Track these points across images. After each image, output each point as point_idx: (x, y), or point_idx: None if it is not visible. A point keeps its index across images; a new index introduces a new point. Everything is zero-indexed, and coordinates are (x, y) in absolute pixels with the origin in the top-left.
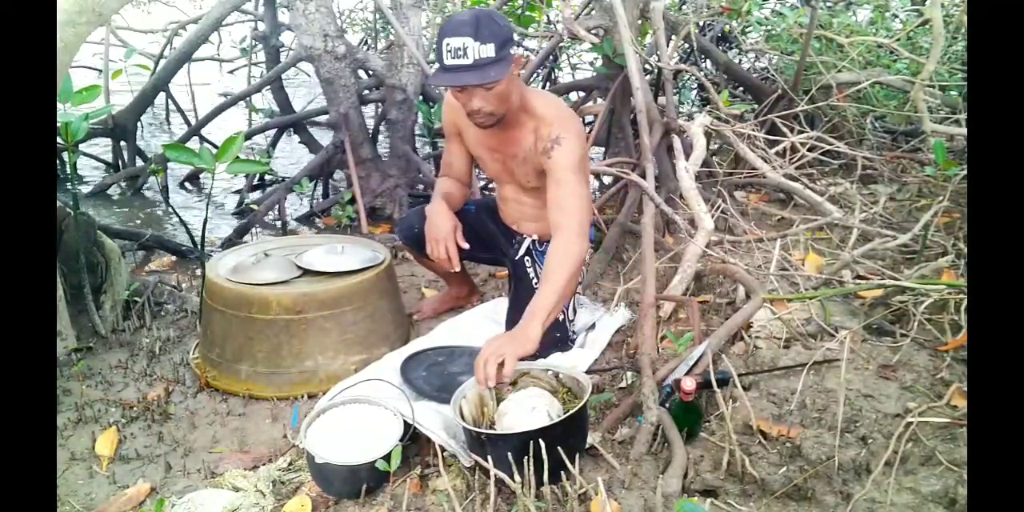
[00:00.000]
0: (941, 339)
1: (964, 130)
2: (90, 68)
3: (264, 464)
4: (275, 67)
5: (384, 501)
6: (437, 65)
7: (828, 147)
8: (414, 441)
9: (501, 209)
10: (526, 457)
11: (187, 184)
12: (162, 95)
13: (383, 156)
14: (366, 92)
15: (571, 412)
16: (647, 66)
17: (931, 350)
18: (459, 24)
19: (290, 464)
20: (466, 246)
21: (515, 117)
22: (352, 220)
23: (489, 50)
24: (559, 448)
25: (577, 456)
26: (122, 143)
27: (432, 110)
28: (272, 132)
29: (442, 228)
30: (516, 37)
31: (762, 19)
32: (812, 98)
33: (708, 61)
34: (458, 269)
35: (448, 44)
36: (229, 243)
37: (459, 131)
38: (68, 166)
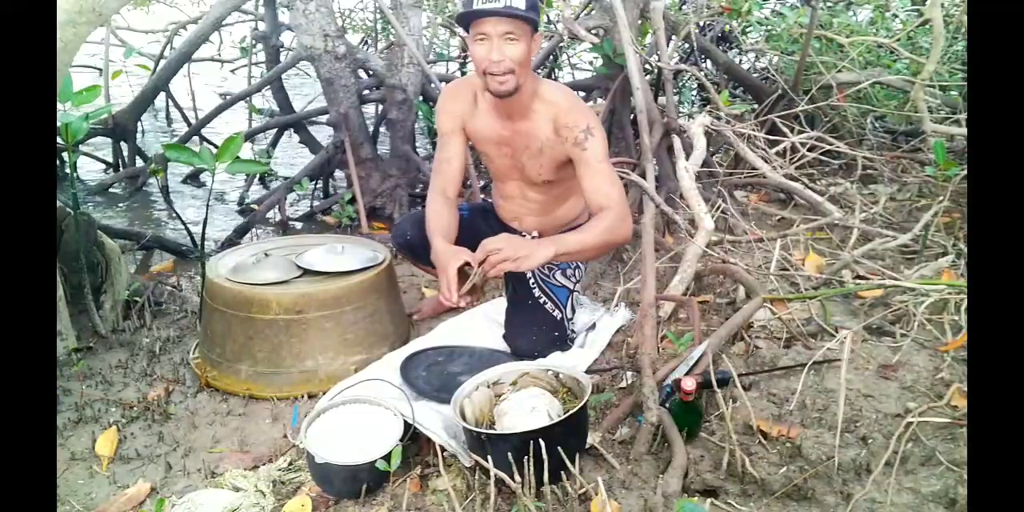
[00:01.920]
0: (941, 339)
1: (964, 130)
2: (90, 67)
3: (264, 464)
4: (275, 67)
5: (384, 501)
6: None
7: (828, 147)
8: (414, 441)
9: (501, 206)
10: (526, 457)
11: (188, 181)
12: (162, 95)
13: (383, 156)
14: (366, 92)
15: (571, 412)
16: (647, 66)
17: (931, 350)
18: None
19: (290, 464)
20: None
21: (527, 105)
22: (352, 220)
23: (520, 2)
24: (559, 448)
25: (577, 456)
26: (122, 143)
27: (432, 110)
28: (272, 132)
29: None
30: None
31: (762, 19)
32: (812, 98)
33: (708, 61)
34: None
35: None
36: (229, 243)
37: (463, 125)
38: (68, 166)
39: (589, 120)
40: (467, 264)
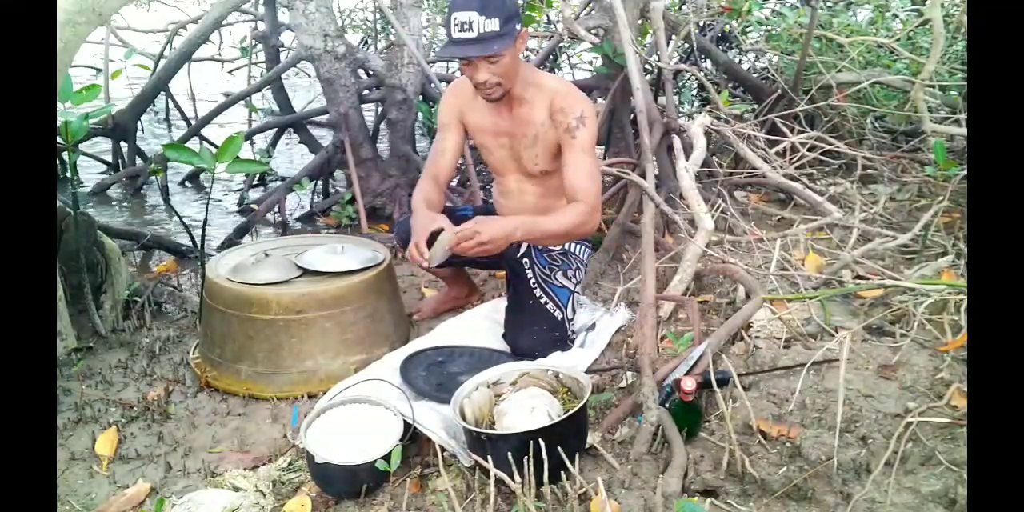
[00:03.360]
0: (941, 339)
1: (964, 130)
2: (90, 67)
3: (264, 464)
4: (275, 67)
5: (384, 501)
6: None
7: (828, 147)
8: (414, 441)
9: (501, 205)
10: (526, 457)
11: (187, 183)
12: (162, 95)
13: (383, 156)
14: (366, 92)
15: (571, 412)
16: (647, 66)
17: (931, 350)
18: None
19: (290, 464)
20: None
21: (523, 94)
22: (352, 220)
23: (493, 24)
24: (559, 448)
25: (577, 456)
26: (122, 143)
27: (432, 110)
28: (272, 132)
29: (415, 233)
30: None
31: (762, 19)
32: (812, 98)
33: (708, 61)
34: (430, 266)
35: (455, 18)
36: (229, 243)
37: (462, 118)
38: (68, 166)
39: (584, 108)
40: (442, 230)
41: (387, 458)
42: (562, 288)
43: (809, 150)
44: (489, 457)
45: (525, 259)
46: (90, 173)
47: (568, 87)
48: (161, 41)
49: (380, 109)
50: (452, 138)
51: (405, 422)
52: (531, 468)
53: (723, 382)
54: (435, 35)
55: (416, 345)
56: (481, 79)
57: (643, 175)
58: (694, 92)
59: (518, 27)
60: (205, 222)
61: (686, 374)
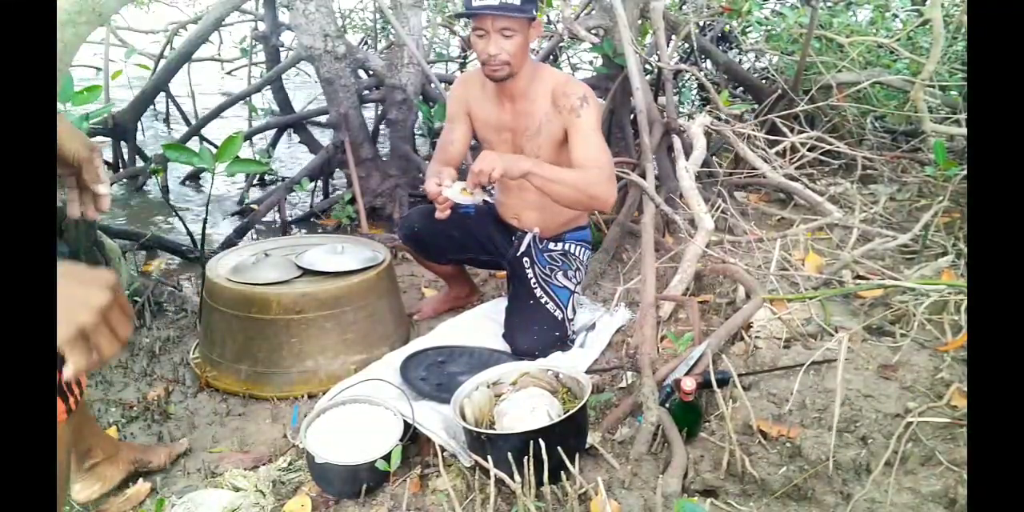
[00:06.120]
0: (941, 339)
1: (964, 130)
2: (90, 67)
3: (264, 464)
4: (275, 67)
5: (384, 501)
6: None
7: (828, 147)
8: (414, 441)
9: (501, 204)
10: (526, 457)
11: (187, 182)
12: (162, 95)
13: (383, 156)
14: (366, 92)
15: (571, 412)
16: (647, 66)
17: (931, 350)
18: None
19: (290, 464)
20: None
21: (527, 89)
22: (352, 220)
23: None
24: (559, 448)
25: (577, 456)
26: (122, 143)
27: (432, 110)
28: (272, 132)
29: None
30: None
31: (762, 19)
32: (812, 98)
33: (708, 61)
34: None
35: None
36: (229, 243)
37: (468, 110)
38: None
39: (585, 91)
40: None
41: (387, 458)
42: (562, 288)
43: (809, 150)
44: (489, 457)
45: (525, 259)
46: None
47: (568, 76)
48: (161, 41)
49: (380, 109)
50: (460, 129)
51: (405, 422)
52: (531, 468)
53: (723, 382)
54: (435, 35)
55: (416, 345)
56: (492, 52)
57: (643, 175)
58: (694, 92)
59: (535, 13)
60: (205, 222)
61: (686, 374)
